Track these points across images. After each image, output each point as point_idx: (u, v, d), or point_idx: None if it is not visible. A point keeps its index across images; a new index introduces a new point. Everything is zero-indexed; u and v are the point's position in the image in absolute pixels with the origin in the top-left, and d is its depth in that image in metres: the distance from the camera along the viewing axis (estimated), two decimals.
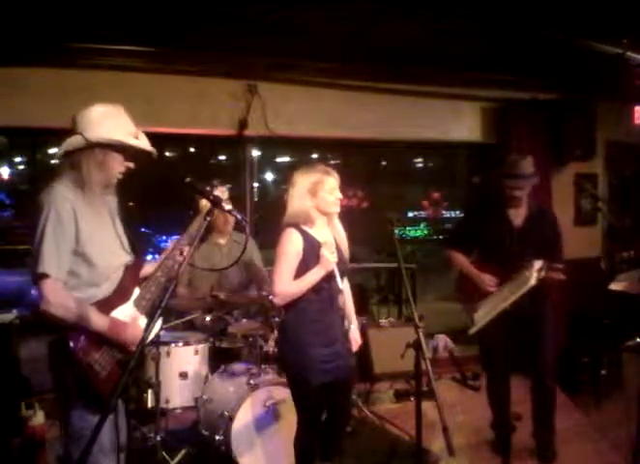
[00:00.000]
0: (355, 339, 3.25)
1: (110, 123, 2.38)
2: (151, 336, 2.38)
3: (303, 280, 2.90)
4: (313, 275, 2.89)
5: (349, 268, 3.15)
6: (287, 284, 2.89)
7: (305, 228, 2.97)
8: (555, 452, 3.94)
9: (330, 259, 2.88)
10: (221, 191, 2.46)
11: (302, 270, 2.93)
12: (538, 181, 3.93)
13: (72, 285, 2.36)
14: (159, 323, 2.53)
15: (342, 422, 3.24)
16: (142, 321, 2.53)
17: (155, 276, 2.58)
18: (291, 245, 2.92)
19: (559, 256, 3.82)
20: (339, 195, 2.99)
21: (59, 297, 2.28)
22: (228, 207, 2.47)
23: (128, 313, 2.50)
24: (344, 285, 3.18)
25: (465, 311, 3.86)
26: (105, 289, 2.44)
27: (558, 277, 3.64)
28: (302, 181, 2.98)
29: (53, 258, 2.27)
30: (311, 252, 2.93)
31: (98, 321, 2.34)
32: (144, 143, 2.49)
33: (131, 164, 2.48)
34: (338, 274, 2.99)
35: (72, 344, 2.29)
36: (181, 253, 2.59)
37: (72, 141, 2.36)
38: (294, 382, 3.02)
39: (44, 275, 2.26)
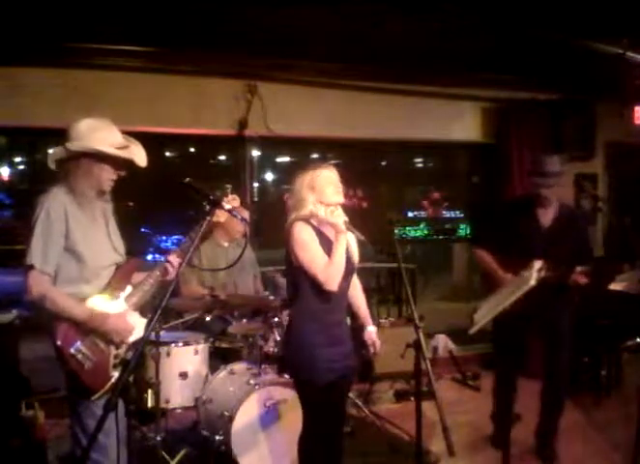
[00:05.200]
0: (372, 341, 3.15)
1: (94, 134, 2.57)
2: (141, 334, 2.53)
3: (336, 256, 2.82)
4: (341, 246, 2.83)
5: (355, 268, 3.11)
6: (327, 270, 2.82)
7: (313, 222, 2.92)
8: (556, 452, 3.94)
9: (339, 221, 2.83)
10: (233, 198, 2.63)
11: None
12: (565, 179, 3.87)
13: (64, 280, 2.52)
14: (143, 321, 2.65)
15: (342, 422, 3.22)
16: (132, 316, 2.67)
17: (150, 277, 2.71)
18: (305, 232, 2.86)
19: (586, 259, 3.77)
20: (339, 185, 2.92)
21: (41, 287, 2.45)
22: (228, 206, 2.54)
23: (117, 309, 2.63)
24: (355, 286, 3.15)
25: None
26: (95, 286, 2.60)
27: (581, 281, 3.63)
28: (299, 181, 2.94)
29: (39, 252, 2.46)
30: (322, 244, 2.88)
31: (79, 311, 2.50)
32: (129, 153, 2.64)
33: (123, 173, 2.66)
34: (344, 274, 2.92)
35: (55, 336, 2.47)
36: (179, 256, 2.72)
37: (57, 152, 2.58)
38: (299, 382, 2.98)
39: (30, 267, 2.46)
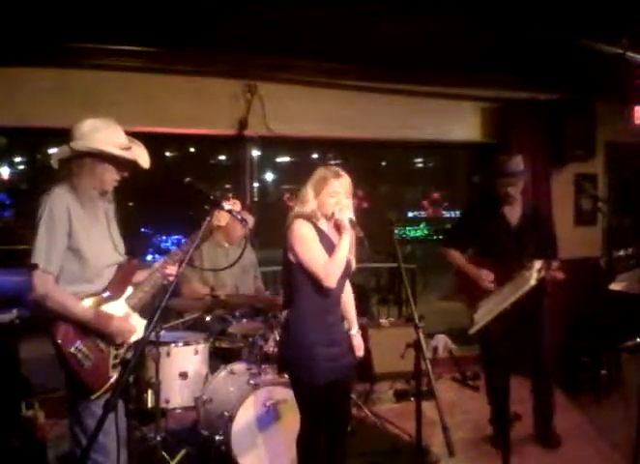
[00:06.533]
0: (358, 344, 3.20)
1: (98, 135, 2.56)
2: (139, 336, 2.54)
3: (338, 252, 2.84)
4: (344, 243, 2.84)
5: (352, 271, 3.11)
6: (328, 265, 2.83)
7: (314, 220, 2.93)
8: (559, 438, 4.07)
9: (344, 218, 2.83)
10: (233, 203, 2.62)
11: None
12: (528, 178, 4.12)
13: (66, 280, 2.52)
14: (143, 322, 2.65)
15: (344, 422, 3.22)
16: (133, 317, 2.67)
17: (151, 277, 2.71)
18: (306, 229, 2.87)
19: (554, 253, 3.94)
20: (344, 202, 2.89)
21: (45, 287, 2.45)
22: (228, 207, 2.54)
23: (119, 309, 2.64)
24: (347, 288, 3.17)
25: (467, 307, 3.89)
26: (97, 285, 2.60)
27: (559, 277, 3.73)
28: (312, 178, 2.95)
29: (43, 251, 2.46)
30: (321, 242, 2.89)
31: (83, 312, 2.50)
32: (132, 154, 2.64)
33: (126, 174, 2.66)
34: (342, 273, 2.93)
35: (55, 335, 2.46)
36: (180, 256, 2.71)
37: (61, 151, 2.58)
38: (298, 382, 2.97)
39: (35, 266, 2.44)
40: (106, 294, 2.61)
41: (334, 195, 2.88)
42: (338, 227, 2.93)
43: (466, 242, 4.14)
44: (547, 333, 4.10)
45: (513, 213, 4.03)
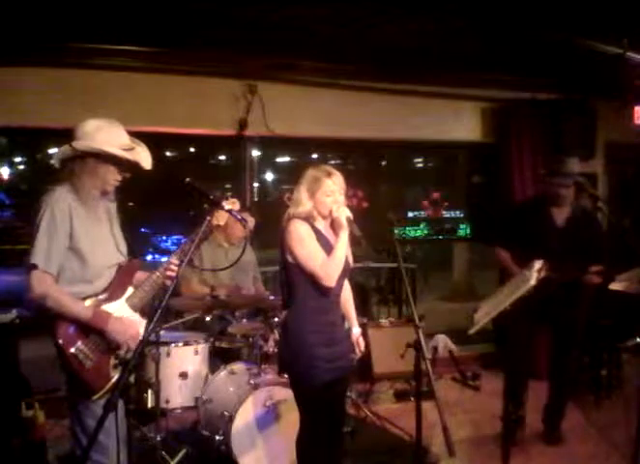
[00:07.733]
0: (359, 344, 3.18)
1: (100, 135, 2.56)
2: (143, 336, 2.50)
3: (337, 251, 2.83)
4: (342, 242, 2.84)
5: (351, 269, 3.11)
6: (327, 265, 2.82)
7: (310, 220, 2.92)
8: (561, 435, 4.13)
9: (341, 216, 2.82)
10: (232, 202, 2.62)
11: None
12: (582, 181, 4.03)
13: (66, 280, 2.51)
14: (143, 322, 2.64)
15: (341, 421, 3.22)
16: (133, 317, 2.65)
17: (151, 278, 2.69)
18: (303, 229, 2.85)
19: (599, 258, 3.91)
20: (340, 199, 2.90)
21: (44, 287, 2.43)
22: (228, 207, 2.54)
23: (119, 309, 2.62)
24: (345, 287, 3.15)
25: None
26: (97, 286, 2.59)
27: (595, 281, 3.78)
28: (304, 179, 2.93)
29: (43, 252, 2.44)
30: (318, 242, 2.88)
31: (81, 311, 2.49)
32: (134, 155, 2.63)
33: (127, 174, 2.65)
34: (341, 273, 2.92)
35: (57, 335, 2.45)
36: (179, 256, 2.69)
37: (63, 150, 2.57)
38: (297, 383, 2.97)
39: (33, 266, 2.43)
40: (106, 294, 2.61)
41: (331, 194, 2.88)
42: (335, 227, 2.93)
43: (513, 241, 4.06)
44: (580, 338, 4.15)
45: (561, 214, 4.00)
